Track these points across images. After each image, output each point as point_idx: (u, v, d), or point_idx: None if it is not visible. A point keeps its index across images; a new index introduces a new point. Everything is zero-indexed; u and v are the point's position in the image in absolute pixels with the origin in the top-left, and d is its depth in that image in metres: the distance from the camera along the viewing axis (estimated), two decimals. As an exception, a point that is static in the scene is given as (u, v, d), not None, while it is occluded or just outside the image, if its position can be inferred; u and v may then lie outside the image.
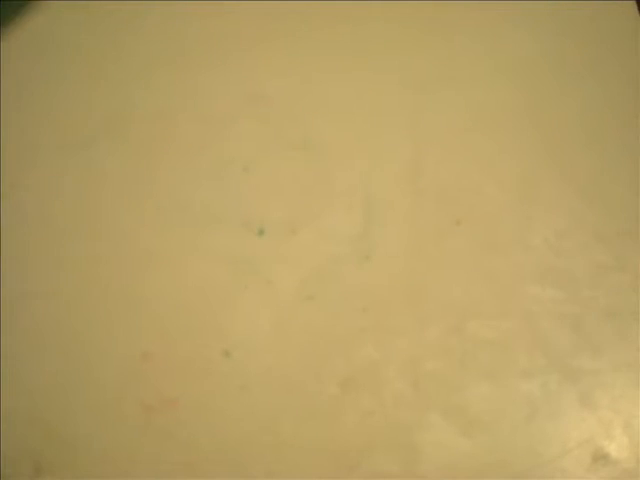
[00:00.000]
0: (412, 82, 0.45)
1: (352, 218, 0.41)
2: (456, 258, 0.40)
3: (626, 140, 0.43)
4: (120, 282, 0.39)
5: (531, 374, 0.37)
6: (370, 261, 0.40)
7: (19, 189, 0.42)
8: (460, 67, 0.46)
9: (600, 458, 0.35)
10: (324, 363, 0.37)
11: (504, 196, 0.42)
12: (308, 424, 0.36)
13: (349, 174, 0.43)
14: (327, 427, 0.36)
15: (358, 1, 0.48)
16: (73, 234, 0.40)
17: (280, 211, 0.41)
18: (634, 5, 0.47)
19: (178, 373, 0.36)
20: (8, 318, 0.38)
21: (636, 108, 0.44)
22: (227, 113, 0.44)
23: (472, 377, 0.37)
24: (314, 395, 0.36)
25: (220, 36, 0.47)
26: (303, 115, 0.44)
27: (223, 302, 0.38)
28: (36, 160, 0.43)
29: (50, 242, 0.40)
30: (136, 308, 0.38)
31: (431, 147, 0.43)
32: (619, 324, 0.38)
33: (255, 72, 0.46)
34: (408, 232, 0.41)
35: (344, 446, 0.35)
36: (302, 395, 0.36)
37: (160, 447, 0.35)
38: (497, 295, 0.39)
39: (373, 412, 0.36)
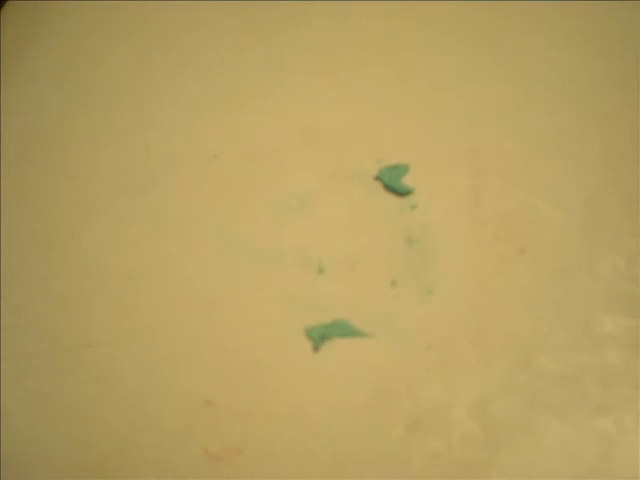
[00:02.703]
0: (470, 110, 0.45)
1: (412, 251, 0.40)
2: (521, 289, 0.39)
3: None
4: (180, 328, 0.39)
5: (605, 410, 0.36)
6: (432, 295, 0.39)
7: (79, 238, 0.42)
8: (519, 91, 0.45)
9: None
10: (388, 404, 0.36)
11: (569, 222, 0.41)
12: (374, 468, 0.35)
13: (408, 206, 0.42)
14: (393, 471, 0.35)
15: (412, 30, 0.48)
16: (135, 280, 0.40)
17: (339, 248, 0.41)
18: None
19: (242, 420, 0.36)
20: (71, 367, 0.38)
21: None
22: (281, 149, 0.44)
23: (543, 415, 0.36)
24: (379, 438, 0.36)
25: (270, 71, 0.47)
26: (358, 148, 0.44)
27: (285, 345, 0.38)
28: (95, 208, 0.43)
29: (112, 289, 0.40)
30: (197, 354, 0.38)
31: (490, 175, 0.42)
32: (697, 355, 0.37)
33: (307, 106, 0.46)
34: (470, 264, 0.40)
35: (412, 491, 0.35)
36: (367, 439, 0.36)
37: (226, 496, 0.35)
38: (566, 327, 0.38)
39: (441, 454, 0.35)
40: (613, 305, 0.38)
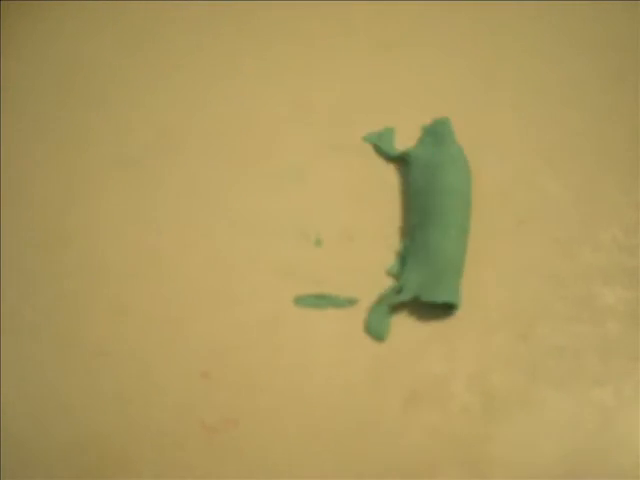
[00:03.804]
0: (466, 81, 0.44)
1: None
2: (520, 260, 0.39)
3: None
4: (176, 300, 0.38)
5: (604, 381, 0.36)
6: (431, 267, 0.39)
7: (71, 211, 0.42)
8: (518, 61, 0.45)
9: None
10: (386, 377, 0.36)
11: (568, 193, 0.41)
12: (373, 442, 0.35)
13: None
14: (392, 444, 0.35)
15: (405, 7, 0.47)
16: (129, 253, 0.40)
17: (336, 219, 0.40)
18: None
19: (238, 392, 0.36)
20: (66, 343, 0.38)
21: None
22: (276, 122, 0.44)
23: (542, 386, 0.36)
24: (378, 411, 0.35)
25: (262, 44, 0.47)
26: (354, 119, 0.43)
27: (282, 317, 0.38)
28: (87, 179, 0.42)
29: (106, 262, 0.40)
30: (193, 326, 0.38)
31: (488, 146, 0.42)
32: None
33: (300, 78, 0.45)
34: (470, 235, 0.39)
35: (410, 463, 0.34)
36: (366, 412, 0.35)
37: (222, 468, 0.34)
38: (565, 298, 0.38)
39: (440, 427, 0.35)
40: (612, 277, 0.38)
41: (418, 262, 0.38)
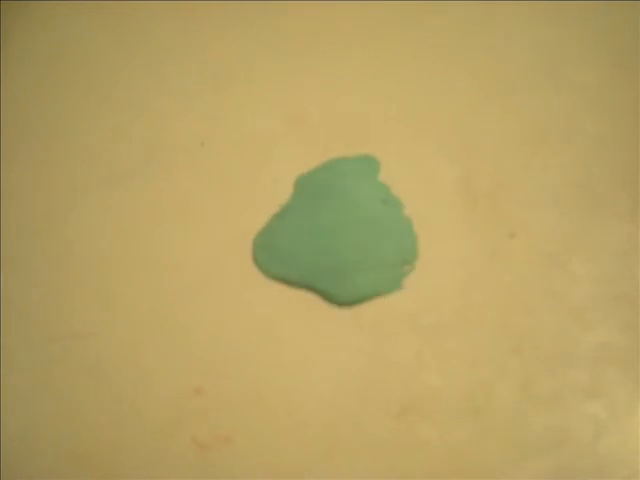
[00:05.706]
0: (459, 93, 0.44)
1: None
2: (512, 274, 0.39)
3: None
4: (168, 316, 0.39)
5: (596, 393, 0.36)
6: (422, 280, 0.39)
7: (63, 227, 0.42)
8: (509, 73, 0.45)
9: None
10: (379, 391, 0.36)
11: (560, 205, 0.41)
12: (365, 457, 0.35)
13: (399, 190, 0.42)
14: (385, 459, 0.35)
15: (399, 15, 0.47)
16: (120, 269, 0.40)
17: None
18: None
19: (231, 409, 0.36)
20: (59, 357, 0.38)
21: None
22: (269, 135, 0.44)
23: (534, 400, 0.36)
24: (370, 426, 0.35)
25: (257, 59, 0.47)
26: (346, 133, 0.44)
27: (276, 333, 0.38)
28: (78, 196, 0.43)
29: (98, 278, 0.40)
30: (186, 342, 0.38)
31: (480, 158, 0.42)
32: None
33: (294, 91, 0.46)
34: (460, 248, 0.40)
35: (404, 476, 0.34)
36: (358, 426, 0.35)
37: (216, 485, 0.35)
38: (557, 311, 0.38)
39: (432, 441, 0.35)
40: (605, 289, 0.38)
41: None
